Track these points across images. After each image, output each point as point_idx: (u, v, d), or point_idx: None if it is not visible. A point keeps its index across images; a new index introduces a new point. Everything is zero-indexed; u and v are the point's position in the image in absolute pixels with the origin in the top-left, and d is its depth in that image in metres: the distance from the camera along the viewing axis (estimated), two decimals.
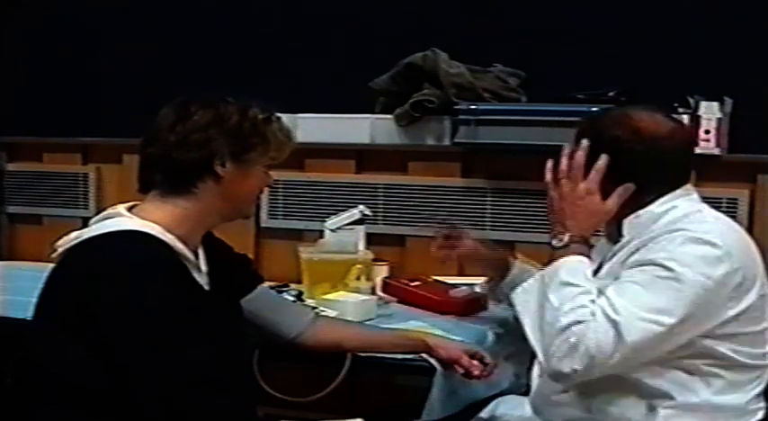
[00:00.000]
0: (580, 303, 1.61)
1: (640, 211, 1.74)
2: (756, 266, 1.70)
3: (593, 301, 1.61)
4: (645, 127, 1.74)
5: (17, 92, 3.25)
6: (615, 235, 1.79)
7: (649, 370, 1.66)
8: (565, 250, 1.72)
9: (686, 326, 1.60)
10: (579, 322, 1.59)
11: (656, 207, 1.73)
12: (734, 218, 2.47)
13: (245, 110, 1.65)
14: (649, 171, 1.73)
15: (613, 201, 1.73)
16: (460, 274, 2.74)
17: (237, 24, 3.03)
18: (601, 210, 1.74)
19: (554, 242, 1.74)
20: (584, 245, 1.73)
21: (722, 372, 1.67)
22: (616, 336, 1.56)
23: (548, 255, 1.75)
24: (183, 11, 3.08)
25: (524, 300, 1.73)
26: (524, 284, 1.76)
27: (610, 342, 1.57)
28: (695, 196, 1.78)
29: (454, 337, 2.10)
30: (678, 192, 1.75)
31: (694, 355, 1.65)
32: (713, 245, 1.61)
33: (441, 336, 2.07)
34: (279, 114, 1.71)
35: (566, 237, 1.73)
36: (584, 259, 1.71)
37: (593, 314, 1.59)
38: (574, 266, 1.68)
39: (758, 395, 1.73)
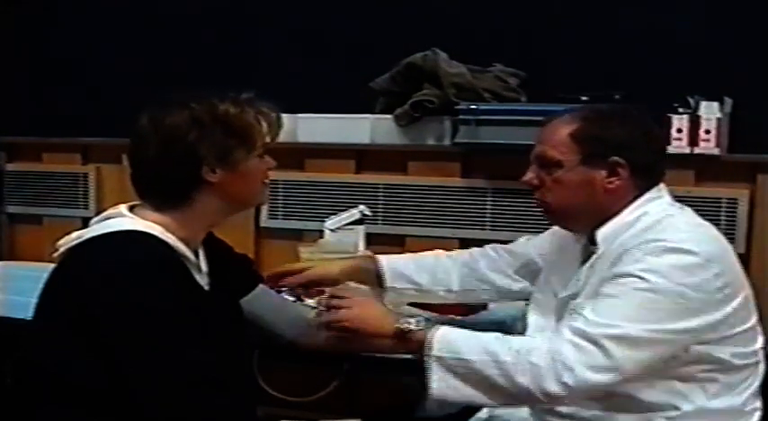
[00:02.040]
0: (517, 345, 1.59)
1: (612, 221, 1.71)
2: (736, 267, 1.69)
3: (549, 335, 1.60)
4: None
5: (17, 92, 3.25)
6: (587, 245, 1.76)
7: (643, 383, 1.63)
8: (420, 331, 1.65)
9: (670, 335, 1.58)
10: (531, 348, 1.57)
11: (626, 215, 1.71)
12: (734, 218, 2.49)
13: (212, 108, 1.60)
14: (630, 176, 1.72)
15: None
16: None
17: (237, 24, 3.02)
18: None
19: (404, 327, 1.66)
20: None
21: (717, 376, 1.66)
22: (602, 353, 1.54)
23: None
24: (183, 10, 3.07)
25: (448, 383, 1.61)
26: (436, 377, 1.61)
27: (598, 360, 1.54)
28: (666, 198, 1.76)
29: None
30: (647, 195, 1.73)
31: (689, 362, 1.63)
32: (690, 252, 1.59)
33: None
34: (249, 96, 1.65)
35: (412, 322, 1.67)
36: (445, 327, 1.66)
37: (551, 338, 1.58)
38: (458, 331, 1.64)
39: (753, 394, 1.72)
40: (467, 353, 1.59)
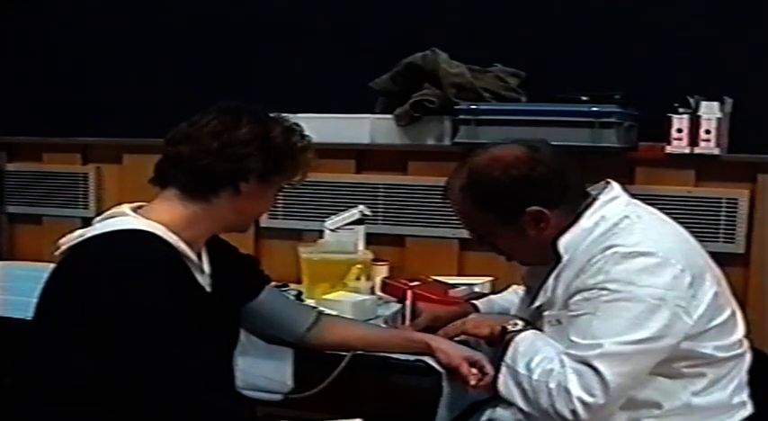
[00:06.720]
0: (547, 364, 1.62)
1: (571, 229, 1.70)
2: (699, 259, 1.68)
3: (559, 359, 1.61)
4: (509, 160, 1.71)
5: (17, 92, 3.25)
6: (551, 257, 1.74)
7: None
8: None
9: (661, 340, 1.58)
10: (551, 370, 1.60)
11: (585, 221, 1.70)
12: (734, 218, 2.49)
13: (289, 134, 1.66)
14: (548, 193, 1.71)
15: None
16: (460, 274, 2.75)
17: (237, 24, 3.03)
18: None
19: (509, 327, 1.75)
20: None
21: (705, 370, 1.66)
22: (595, 375, 1.55)
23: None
24: (184, 11, 3.08)
25: (507, 387, 1.70)
26: (501, 380, 1.71)
27: (593, 382, 1.55)
28: (623, 198, 1.75)
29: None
30: (602, 198, 1.72)
31: (675, 359, 1.63)
32: (648, 254, 1.59)
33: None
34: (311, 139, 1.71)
35: (519, 323, 1.75)
36: (532, 330, 1.73)
37: (561, 363, 1.59)
38: (529, 342, 1.70)
39: (738, 387, 1.71)
40: (520, 366, 1.67)
